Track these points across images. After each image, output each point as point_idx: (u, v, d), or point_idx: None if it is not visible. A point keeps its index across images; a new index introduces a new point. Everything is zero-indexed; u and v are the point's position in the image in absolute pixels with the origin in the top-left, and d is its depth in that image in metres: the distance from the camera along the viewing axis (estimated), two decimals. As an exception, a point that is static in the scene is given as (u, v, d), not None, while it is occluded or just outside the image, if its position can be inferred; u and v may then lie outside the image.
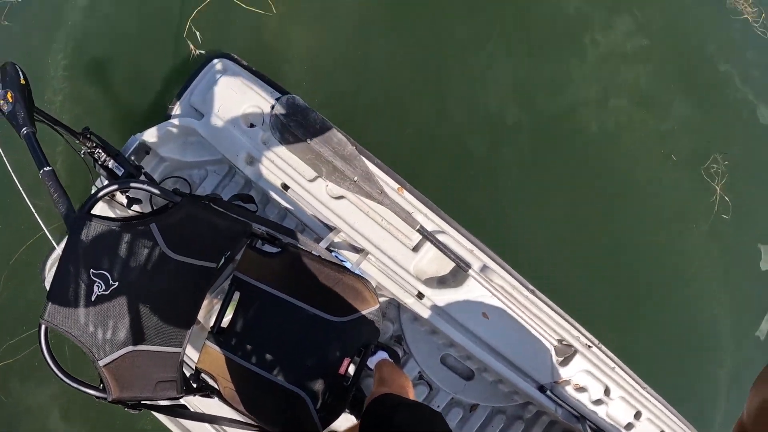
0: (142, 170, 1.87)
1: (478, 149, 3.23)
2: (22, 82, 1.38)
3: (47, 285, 2.00)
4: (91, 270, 1.26)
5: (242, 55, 3.29)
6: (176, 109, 2.21)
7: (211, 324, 1.59)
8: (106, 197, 1.92)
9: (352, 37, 3.41)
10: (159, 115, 2.77)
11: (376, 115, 3.22)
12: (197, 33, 3.15)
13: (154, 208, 2.08)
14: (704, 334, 3.19)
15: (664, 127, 3.58)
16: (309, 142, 1.89)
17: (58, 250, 1.78)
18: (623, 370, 2.25)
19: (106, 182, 1.80)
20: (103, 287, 1.26)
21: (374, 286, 1.88)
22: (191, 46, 3.11)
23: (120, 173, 1.74)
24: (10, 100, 1.32)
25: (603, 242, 3.14)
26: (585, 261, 3.09)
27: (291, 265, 1.58)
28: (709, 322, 3.18)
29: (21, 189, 1.47)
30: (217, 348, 1.57)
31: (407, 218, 1.88)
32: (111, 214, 2.11)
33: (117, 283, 1.27)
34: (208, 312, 2.17)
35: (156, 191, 1.34)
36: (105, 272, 1.27)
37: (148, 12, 3.38)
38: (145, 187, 1.37)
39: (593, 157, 3.24)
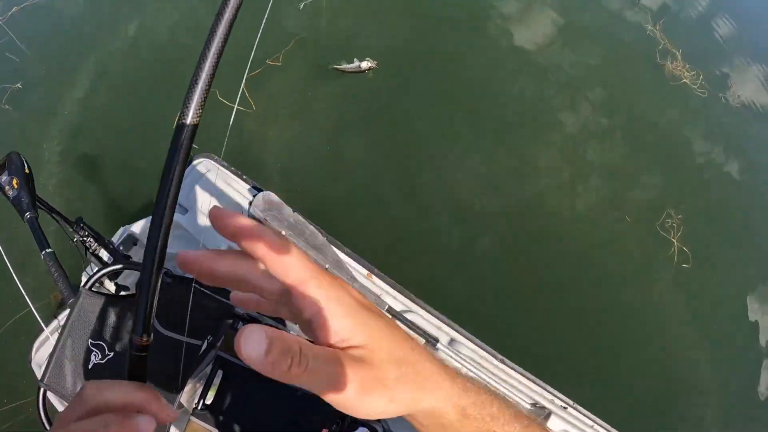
0: (131, 260, 1.98)
1: (451, 236, 3.34)
2: (27, 171, 1.51)
3: (34, 366, 2.02)
4: (90, 340, 1.38)
5: (225, 148, 3.53)
6: None
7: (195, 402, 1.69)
8: (97, 282, 2.06)
9: (326, 133, 3.64)
10: (147, 206, 2.96)
11: (349, 207, 3.36)
12: None
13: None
14: (684, 379, 3.26)
15: (615, 192, 3.76)
16: (284, 234, 2.01)
17: (47, 331, 1.88)
18: (603, 427, 2.31)
19: (96, 269, 2.01)
20: (100, 356, 1.36)
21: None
22: None
23: (108, 261, 1.83)
24: (15, 186, 1.46)
25: (573, 306, 3.26)
26: (558, 326, 3.16)
27: None
28: (687, 367, 3.27)
29: (9, 266, 1.56)
30: (202, 423, 1.59)
31: (376, 300, 1.99)
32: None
33: (112, 354, 1.38)
34: (191, 396, 2.24)
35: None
36: (101, 343, 1.39)
37: (139, 105, 3.67)
38: (136, 268, 1.54)
39: (554, 229, 3.39)
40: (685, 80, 4.44)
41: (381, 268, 2.20)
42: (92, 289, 1.51)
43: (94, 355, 1.36)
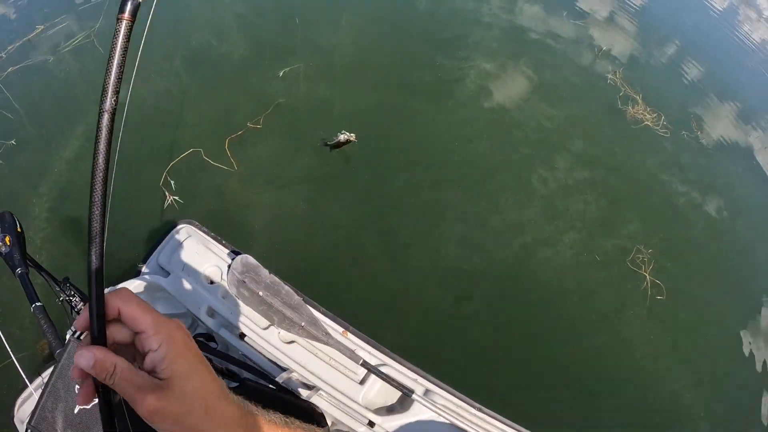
0: None
1: (439, 298, 3.37)
2: (19, 230, 1.59)
3: (17, 422, 2.02)
4: (77, 386, 1.39)
5: (208, 203, 3.62)
6: (146, 268, 2.42)
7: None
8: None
9: (303, 193, 3.76)
10: (131, 268, 3.04)
11: (328, 265, 3.42)
12: (171, 182, 3.63)
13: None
14: (669, 410, 3.26)
15: (587, 235, 3.85)
16: (261, 294, 2.10)
17: (30, 388, 1.92)
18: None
19: None
20: None
21: (328, 422, 2.07)
22: (167, 194, 3.57)
23: None
24: (8, 243, 1.52)
25: (549, 353, 3.27)
26: (537, 373, 3.17)
27: (247, 398, 1.83)
28: (670, 397, 3.28)
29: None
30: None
31: (351, 355, 2.05)
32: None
33: (97, 399, 1.50)
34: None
35: None
36: None
37: (127, 165, 3.93)
38: None
39: (528, 279, 3.44)
40: (647, 122, 4.69)
41: (359, 326, 2.31)
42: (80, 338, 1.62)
43: None
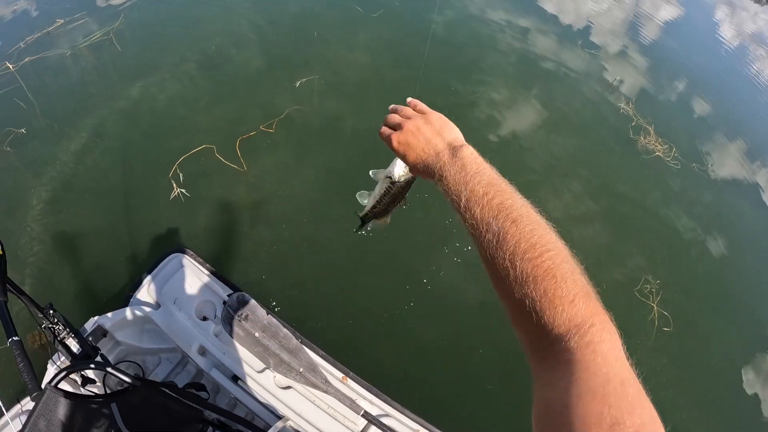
0: (99, 351, 1.83)
1: (439, 334, 3.23)
2: (0, 252, 1.43)
3: None
4: None
5: (212, 201, 3.52)
6: (135, 297, 2.21)
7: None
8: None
9: (307, 203, 3.61)
10: (119, 295, 2.83)
11: (332, 305, 3.20)
12: (180, 175, 3.57)
13: (107, 389, 2.17)
14: None
15: (595, 265, 3.71)
16: (257, 335, 1.96)
17: (7, 416, 1.79)
18: None
19: (62, 358, 1.81)
20: None
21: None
22: (174, 185, 3.49)
23: (77, 351, 1.72)
24: None
25: None
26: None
27: None
28: (673, 430, 3.23)
29: None
30: None
31: (352, 405, 1.92)
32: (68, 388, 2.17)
33: None
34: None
35: (121, 376, 1.45)
36: None
37: (136, 159, 3.74)
38: (112, 371, 1.45)
39: None
40: (658, 153, 4.60)
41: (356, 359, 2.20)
42: (57, 386, 1.42)
43: None
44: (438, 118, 0.84)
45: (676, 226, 4.18)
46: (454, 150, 0.75)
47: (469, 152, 0.74)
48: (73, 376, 2.05)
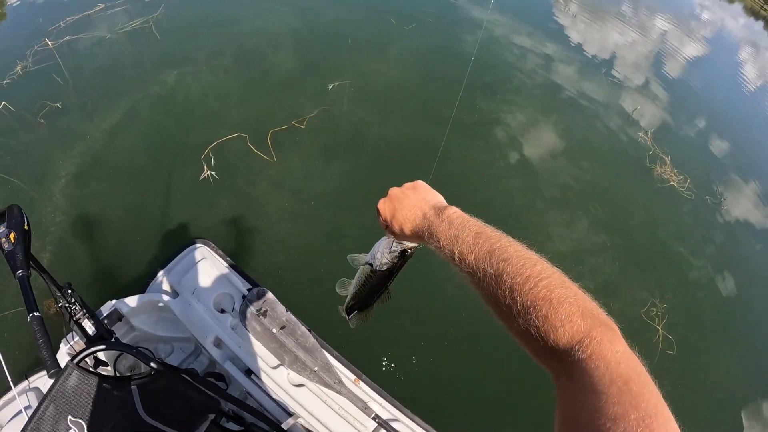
0: (114, 335, 1.77)
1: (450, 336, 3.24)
2: (26, 227, 1.43)
3: None
4: (69, 416, 1.28)
5: (239, 186, 3.58)
6: (153, 284, 2.19)
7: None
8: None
9: (329, 201, 3.66)
10: (137, 280, 2.95)
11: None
12: (212, 158, 3.66)
13: (117, 372, 2.20)
14: None
15: (604, 284, 3.74)
16: (274, 332, 1.95)
17: (14, 391, 1.73)
18: None
19: (76, 338, 1.75)
20: None
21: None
22: (205, 167, 3.59)
23: (91, 333, 1.69)
24: (12, 240, 1.38)
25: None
26: (544, 423, 3.20)
27: None
28: None
29: None
30: None
31: (363, 407, 1.92)
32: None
33: None
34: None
35: (144, 360, 1.43)
36: (81, 421, 1.29)
37: (167, 142, 3.83)
38: (138, 355, 1.43)
39: None
40: (672, 183, 4.61)
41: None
42: (80, 364, 1.40)
43: None
44: (421, 184, 0.91)
45: (686, 254, 4.15)
46: (439, 210, 0.80)
47: (453, 211, 0.79)
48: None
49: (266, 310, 2.01)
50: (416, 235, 0.83)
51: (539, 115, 4.99)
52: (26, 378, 2.05)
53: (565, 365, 0.57)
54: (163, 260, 2.41)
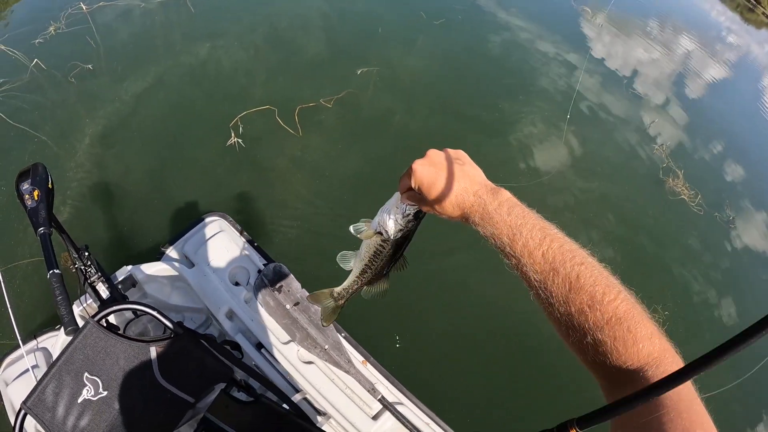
0: (127, 300, 1.74)
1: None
2: (49, 186, 1.44)
3: (0, 382, 1.88)
4: (86, 373, 1.30)
5: (264, 156, 3.64)
6: (170, 252, 2.18)
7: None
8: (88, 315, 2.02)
9: (346, 191, 3.68)
10: (153, 249, 2.80)
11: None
12: (240, 127, 3.73)
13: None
14: None
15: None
16: (288, 308, 1.94)
17: (23, 349, 1.71)
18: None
19: (89, 300, 1.79)
20: (92, 392, 1.30)
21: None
22: (233, 134, 3.67)
23: (105, 296, 1.69)
24: (36, 198, 1.39)
25: (559, 407, 3.34)
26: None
27: (261, 416, 1.57)
28: None
29: (2, 283, 1.47)
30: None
31: (371, 388, 1.93)
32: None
33: (106, 392, 1.30)
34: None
35: (165, 321, 1.45)
36: (97, 379, 1.31)
37: (196, 110, 3.91)
38: (159, 316, 1.45)
39: (536, 339, 3.23)
40: (683, 197, 4.61)
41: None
42: (100, 323, 1.41)
43: (87, 389, 1.30)
44: (465, 155, 0.80)
45: (690, 267, 4.13)
46: (493, 192, 0.72)
47: (508, 195, 0.72)
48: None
49: (281, 286, 2.03)
50: (460, 213, 0.74)
51: (558, 121, 5.01)
52: (35, 337, 2.06)
53: (635, 381, 0.58)
54: (180, 229, 2.43)
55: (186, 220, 2.49)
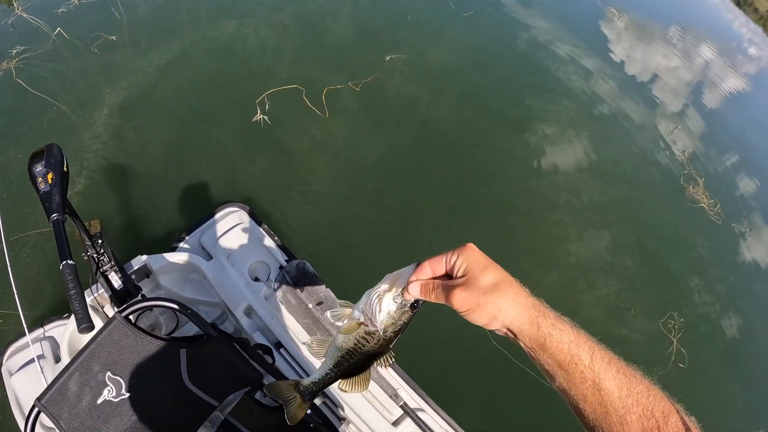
0: (141, 291, 1.75)
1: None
2: (65, 169, 1.33)
3: (3, 371, 1.79)
4: (108, 373, 1.22)
5: (288, 135, 3.61)
6: (186, 243, 2.09)
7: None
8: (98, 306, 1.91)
9: (368, 177, 3.65)
10: (166, 238, 2.71)
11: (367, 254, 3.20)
12: (267, 104, 3.71)
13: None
14: None
15: (623, 285, 3.78)
16: (310, 307, 1.83)
17: (28, 338, 1.76)
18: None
19: (101, 290, 1.69)
20: (114, 393, 1.23)
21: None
22: (259, 110, 3.68)
23: (117, 286, 1.64)
24: (50, 181, 1.28)
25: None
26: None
27: (285, 423, 1.70)
28: None
29: (9, 265, 1.40)
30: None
31: (392, 394, 1.86)
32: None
33: (128, 394, 1.23)
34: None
35: (197, 321, 1.36)
36: (121, 379, 1.23)
37: (221, 85, 3.90)
38: (192, 317, 1.36)
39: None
40: (702, 205, 4.54)
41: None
42: (127, 318, 1.31)
43: (108, 390, 1.23)
44: (507, 276, 0.68)
45: (704, 273, 4.12)
46: (553, 321, 0.63)
47: (557, 318, 0.63)
48: (107, 309, 2.05)
49: (304, 284, 1.95)
50: (515, 336, 0.64)
51: (581, 121, 4.96)
52: (41, 326, 1.96)
53: None
54: (197, 212, 2.36)
55: (203, 201, 2.41)
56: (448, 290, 0.63)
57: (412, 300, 0.65)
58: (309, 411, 1.55)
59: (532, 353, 0.63)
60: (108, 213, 2.90)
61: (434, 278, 0.66)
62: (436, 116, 4.26)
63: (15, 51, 3.67)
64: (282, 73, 4.04)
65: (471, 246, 0.65)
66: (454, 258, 0.64)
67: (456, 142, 4.11)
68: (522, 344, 0.63)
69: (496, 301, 0.61)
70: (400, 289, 0.65)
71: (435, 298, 0.65)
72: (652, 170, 4.70)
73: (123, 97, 3.54)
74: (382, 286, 0.65)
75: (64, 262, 1.20)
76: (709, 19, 9.83)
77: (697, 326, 3.71)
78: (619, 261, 3.87)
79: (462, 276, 0.64)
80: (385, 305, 0.65)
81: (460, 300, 0.62)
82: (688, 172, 4.74)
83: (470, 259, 0.64)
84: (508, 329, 0.62)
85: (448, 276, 0.66)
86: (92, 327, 1.14)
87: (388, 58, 4.56)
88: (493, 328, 0.64)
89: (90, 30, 3.92)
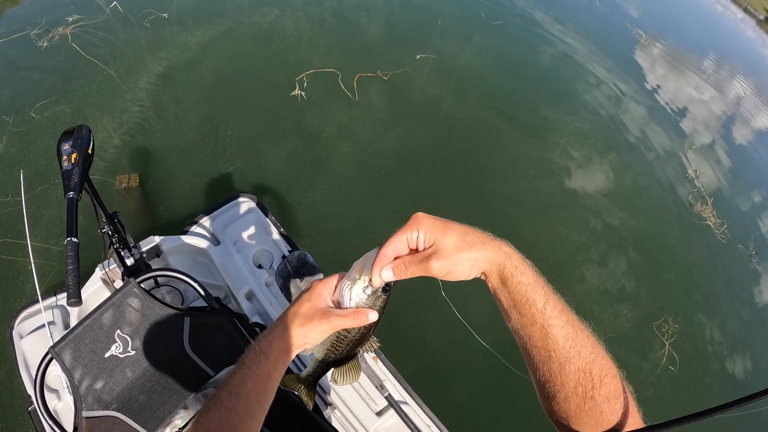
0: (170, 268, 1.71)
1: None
2: (89, 151, 1.39)
3: (14, 334, 1.85)
4: (118, 330, 1.30)
5: (319, 112, 3.84)
6: (197, 227, 2.14)
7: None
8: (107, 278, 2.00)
9: (383, 167, 3.79)
10: (181, 221, 2.79)
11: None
12: (305, 82, 3.99)
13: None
14: None
15: (619, 286, 3.83)
16: None
17: (41, 305, 1.67)
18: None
19: (112, 265, 1.77)
20: (121, 349, 1.31)
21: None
22: (297, 86, 3.99)
23: (129, 263, 1.71)
24: (73, 161, 1.34)
25: None
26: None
27: (279, 403, 1.84)
28: None
29: (27, 234, 1.48)
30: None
31: (378, 385, 1.92)
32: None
33: (133, 352, 1.31)
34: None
35: (202, 292, 1.47)
36: (128, 338, 1.31)
37: (263, 63, 4.23)
38: (199, 288, 1.47)
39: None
40: (709, 222, 4.53)
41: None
42: (142, 285, 1.38)
43: (116, 346, 1.31)
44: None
45: (703, 284, 4.15)
46: (518, 260, 0.67)
47: (520, 256, 0.66)
48: (117, 284, 2.18)
49: (304, 274, 2.05)
50: (486, 277, 0.67)
51: (595, 137, 4.88)
52: (54, 294, 2.07)
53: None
54: (214, 192, 2.48)
55: (226, 181, 2.57)
56: (423, 263, 0.64)
57: (383, 285, 0.63)
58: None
59: (494, 292, 0.66)
60: (137, 168, 3.21)
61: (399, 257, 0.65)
62: (457, 115, 4.47)
63: (71, 19, 4.00)
64: (317, 61, 4.31)
65: (421, 215, 0.66)
66: (414, 234, 0.65)
67: (475, 139, 4.41)
68: (489, 284, 0.66)
69: (469, 254, 0.63)
70: (368, 278, 0.63)
71: (411, 273, 0.66)
72: (662, 186, 4.72)
73: (166, 67, 3.81)
74: (352, 275, 0.64)
75: (69, 239, 1.25)
76: (744, 52, 9.63)
77: (690, 335, 3.71)
78: (619, 262, 3.96)
79: (430, 246, 0.65)
80: (354, 295, 0.64)
81: (438, 268, 0.63)
82: (698, 189, 4.77)
83: (429, 227, 0.65)
84: (483, 273, 0.65)
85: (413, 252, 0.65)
86: (80, 302, 1.19)
87: (418, 57, 4.75)
88: (471, 278, 0.66)
89: (143, 6, 4.24)
